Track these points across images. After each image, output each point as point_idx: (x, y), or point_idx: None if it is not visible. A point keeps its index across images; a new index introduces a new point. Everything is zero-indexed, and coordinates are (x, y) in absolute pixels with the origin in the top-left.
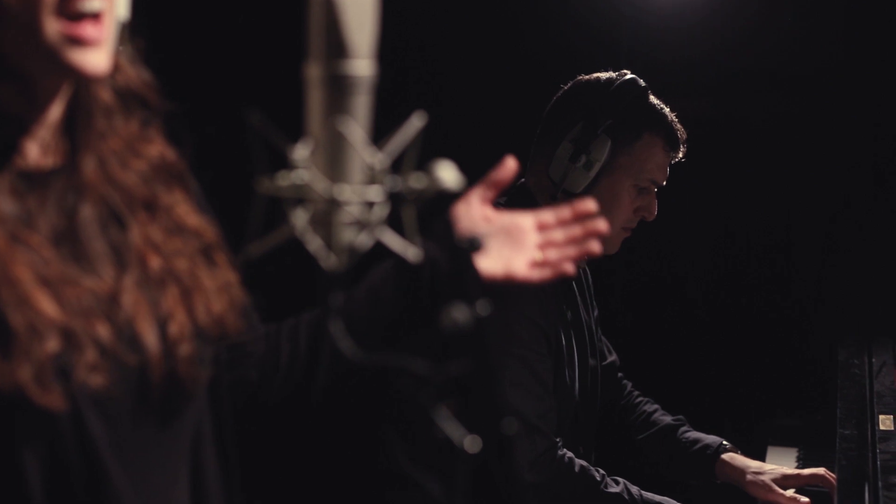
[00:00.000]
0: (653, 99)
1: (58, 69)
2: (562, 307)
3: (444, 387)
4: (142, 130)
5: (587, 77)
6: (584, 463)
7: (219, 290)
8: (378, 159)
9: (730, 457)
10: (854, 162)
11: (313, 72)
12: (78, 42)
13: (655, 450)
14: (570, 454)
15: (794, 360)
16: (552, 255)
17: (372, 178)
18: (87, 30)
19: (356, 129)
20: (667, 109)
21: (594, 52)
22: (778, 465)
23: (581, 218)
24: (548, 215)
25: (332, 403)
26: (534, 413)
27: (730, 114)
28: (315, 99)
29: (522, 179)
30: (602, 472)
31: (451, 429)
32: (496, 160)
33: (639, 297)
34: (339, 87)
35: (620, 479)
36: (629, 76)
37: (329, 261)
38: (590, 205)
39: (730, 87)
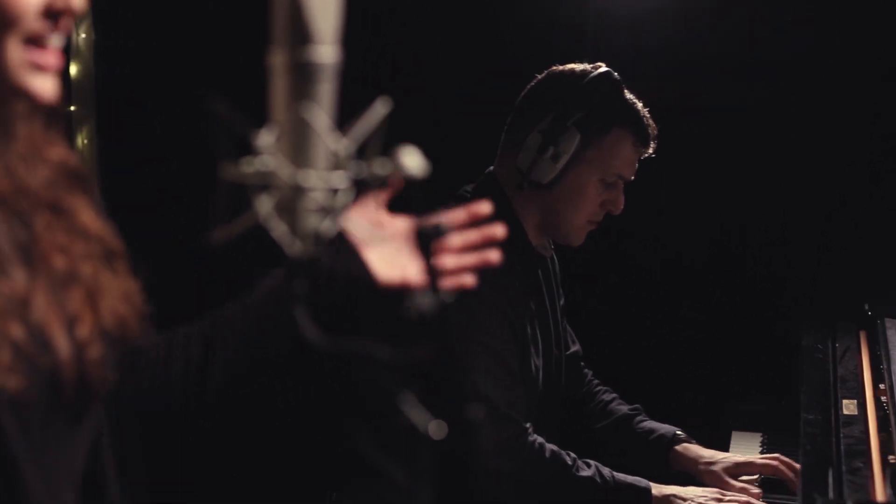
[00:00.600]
0: (626, 94)
1: (10, 91)
2: (526, 296)
3: (409, 373)
4: (45, 132)
5: (561, 68)
6: (555, 447)
7: (122, 295)
8: (342, 146)
9: (683, 447)
10: (817, 147)
11: (277, 58)
12: (39, 69)
13: (612, 439)
14: (540, 440)
15: (758, 345)
16: (449, 262)
17: (336, 165)
18: (50, 58)
19: (320, 115)
20: (639, 105)
21: (559, 37)
22: (743, 449)
23: (477, 222)
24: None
25: (226, 410)
26: (502, 401)
27: (696, 99)
28: (279, 86)
29: (491, 168)
30: (573, 455)
31: (417, 415)
32: (459, 145)
33: (605, 284)
34: (303, 74)
35: (592, 462)
36: (603, 69)
37: (294, 247)
38: (484, 208)
39: (696, 73)
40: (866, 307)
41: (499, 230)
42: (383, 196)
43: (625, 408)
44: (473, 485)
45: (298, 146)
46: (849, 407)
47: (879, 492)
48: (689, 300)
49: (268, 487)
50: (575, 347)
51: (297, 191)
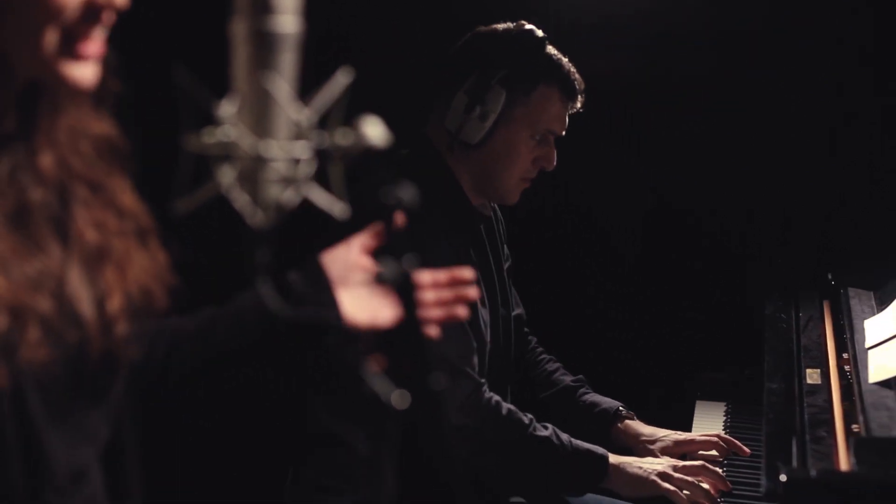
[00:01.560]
0: (550, 49)
1: (49, 78)
2: (468, 253)
3: (372, 343)
4: (94, 109)
5: (485, 28)
6: (512, 406)
7: (151, 270)
8: (304, 115)
9: (625, 424)
10: (776, 116)
11: (239, 28)
12: (79, 58)
13: (555, 410)
14: (496, 397)
15: (722, 315)
16: (420, 312)
17: (298, 135)
18: (91, 48)
19: (282, 85)
20: (564, 60)
21: (520, 8)
22: (707, 419)
23: (456, 284)
24: (425, 275)
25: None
26: (455, 355)
27: (663, 70)
28: (241, 55)
29: (424, 131)
30: (530, 416)
31: (379, 384)
32: (421, 116)
33: (568, 253)
34: (265, 44)
35: (549, 425)
36: (526, 27)
37: (256, 218)
38: (467, 273)
39: (660, 45)
40: (829, 277)
41: (473, 291)
42: (371, 241)
43: (568, 378)
44: (426, 443)
45: (260, 116)
46: (812, 376)
47: (843, 461)
48: (654, 270)
49: (227, 461)
50: (519, 310)
51: (259, 161)
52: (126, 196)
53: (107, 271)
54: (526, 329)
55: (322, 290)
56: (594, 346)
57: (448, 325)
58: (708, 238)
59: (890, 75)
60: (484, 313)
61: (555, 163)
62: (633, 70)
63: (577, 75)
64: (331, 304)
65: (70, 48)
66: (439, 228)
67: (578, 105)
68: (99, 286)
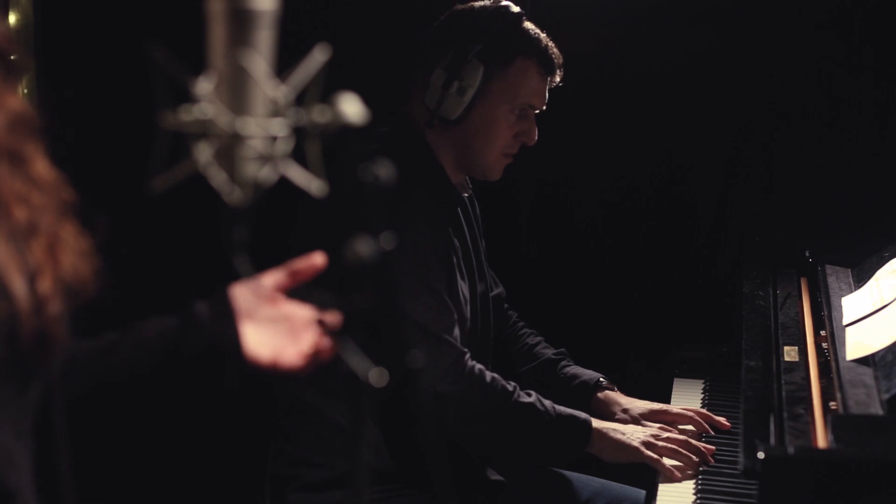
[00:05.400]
0: (527, 24)
1: None
2: (447, 228)
3: (350, 320)
4: (2, 82)
5: (462, 6)
6: (496, 375)
7: (80, 250)
8: (281, 93)
9: (604, 394)
10: (759, 94)
11: (216, 5)
12: None
13: (536, 383)
14: (479, 365)
15: (699, 292)
16: (325, 353)
17: (275, 112)
18: None
19: (259, 62)
20: (542, 35)
21: None
22: (685, 396)
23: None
24: (334, 317)
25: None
26: (436, 325)
27: (637, 46)
28: (217, 32)
29: (402, 109)
30: (514, 384)
31: (357, 362)
32: (399, 94)
33: (544, 230)
34: (241, 21)
35: (532, 392)
36: (503, 3)
37: (233, 195)
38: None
39: (637, 21)
40: (807, 254)
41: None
42: (286, 280)
43: (549, 351)
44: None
45: (237, 93)
46: (790, 353)
47: (821, 438)
48: (631, 246)
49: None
50: (499, 289)
51: (236, 138)
52: (45, 169)
53: (36, 247)
54: (506, 305)
55: (226, 322)
56: (572, 323)
57: (428, 296)
58: (686, 215)
59: (867, 51)
60: (464, 287)
61: (536, 137)
62: (609, 48)
63: (555, 49)
64: (233, 336)
65: None
66: (419, 205)
67: (557, 79)
68: (29, 262)
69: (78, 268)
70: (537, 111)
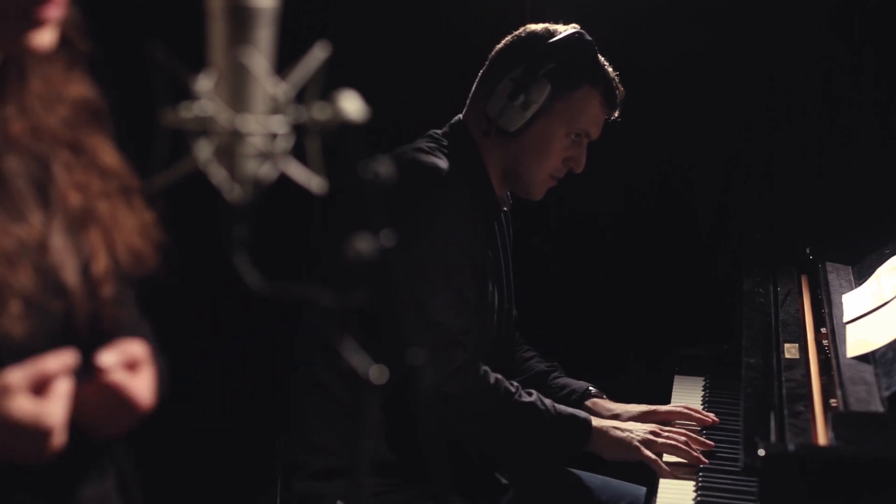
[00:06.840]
0: (599, 56)
1: (9, 47)
2: (484, 247)
3: (350, 318)
4: (66, 72)
5: (535, 26)
6: (499, 376)
7: (138, 229)
8: (281, 90)
9: (593, 402)
10: (759, 93)
11: (216, 2)
12: (36, 23)
13: None
14: (486, 367)
15: (700, 289)
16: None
17: (275, 109)
18: (49, 12)
19: (259, 59)
20: (610, 68)
21: None
22: (686, 394)
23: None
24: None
25: None
26: (455, 327)
27: (636, 48)
28: (217, 29)
29: (460, 116)
30: (516, 384)
31: (358, 360)
32: (397, 90)
33: (549, 230)
34: (241, 18)
35: (533, 391)
36: (579, 30)
37: (233, 193)
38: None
39: (637, 21)
40: (807, 251)
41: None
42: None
43: (542, 365)
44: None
45: (237, 91)
46: (790, 351)
47: (821, 435)
48: (631, 246)
49: (212, 432)
50: (514, 312)
51: (236, 136)
52: (108, 156)
53: (91, 233)
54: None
55: None
56: (574, 322)
57: (455, 297)
58: (687, 213)
59: (867, 51)
60: (493, 300)
61: (583, 167)
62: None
63: (620, 86)
64: None
65: (28, 14)
66: (463, 209)
67: (616, 114)
68: (84, 250)
69: (134, 246)
70: (590, 140)
